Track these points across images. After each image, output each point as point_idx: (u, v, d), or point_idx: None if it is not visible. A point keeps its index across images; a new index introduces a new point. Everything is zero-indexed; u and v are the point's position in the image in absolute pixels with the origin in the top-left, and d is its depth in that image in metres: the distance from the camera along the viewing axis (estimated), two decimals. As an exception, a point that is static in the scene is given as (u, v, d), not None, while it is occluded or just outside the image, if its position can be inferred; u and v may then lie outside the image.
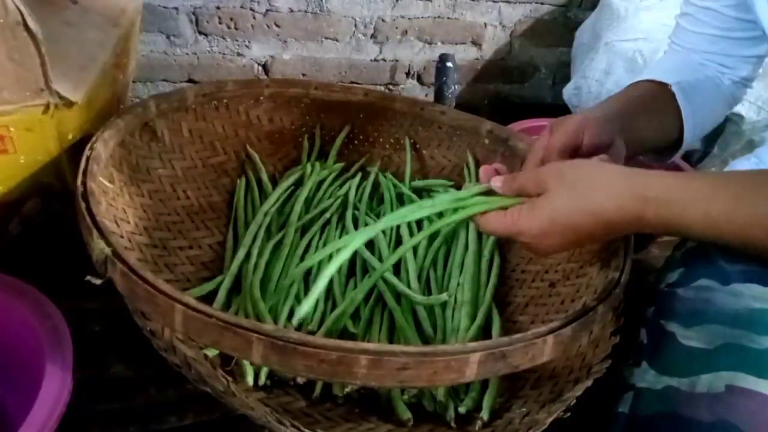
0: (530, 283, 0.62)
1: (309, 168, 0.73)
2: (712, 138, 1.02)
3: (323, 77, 1.19)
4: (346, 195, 0.72)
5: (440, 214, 0.54)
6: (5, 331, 0.48)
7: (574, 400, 0.44)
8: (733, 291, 0.40)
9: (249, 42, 1.11)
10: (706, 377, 0.37)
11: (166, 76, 1.10)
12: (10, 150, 0.48)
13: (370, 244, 0.63)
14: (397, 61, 1.23)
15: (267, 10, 1.08)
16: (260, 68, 1.15)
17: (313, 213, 0.68)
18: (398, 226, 0.66)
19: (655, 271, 0.52)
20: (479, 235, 0.65)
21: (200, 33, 1.07)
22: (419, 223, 0.67)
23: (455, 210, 0.52)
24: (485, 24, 1.25)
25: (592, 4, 1.24)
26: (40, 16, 0.43)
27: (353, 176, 0.76)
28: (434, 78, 1.11)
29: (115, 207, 0.51)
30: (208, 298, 0.55)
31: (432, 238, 0.66)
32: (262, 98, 0.72)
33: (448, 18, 1.21)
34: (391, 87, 1.27)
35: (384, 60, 1.22)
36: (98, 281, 0.40)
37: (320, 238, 0.65)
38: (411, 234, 0.66)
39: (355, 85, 1.06)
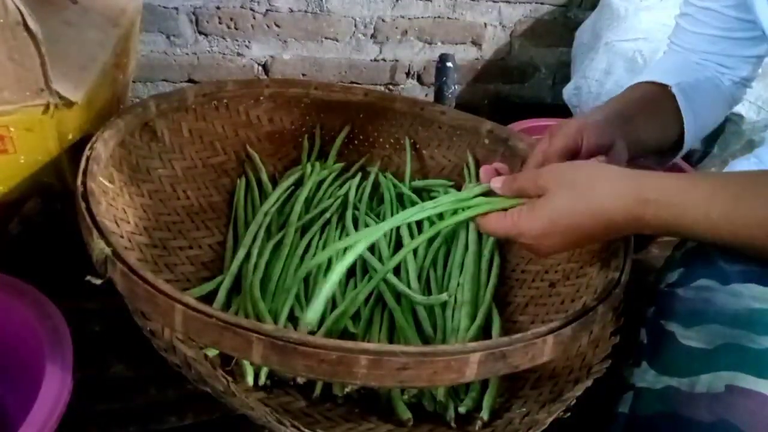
0: (530, 283, 0.62)
1: (309, 168, 0.73)
2: (712, 138, 1.02)
3: (323, 77, 1.19)
4: (346, 195, 0.72)
5: (440, 216, 0.54)
6: (5, 331, 0.48)
7: (574, 400, 0.44)
8: (732, 291, 0.40)
9: (249, 42, 1.11)
10: (706, 377, 0.37)
11: (166, 76, 1.10)
12: (10, 150, 0.48)
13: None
14: (397, 61, 1.23)
15: (267, 10, 1.08)
16: (260, 68, 1.15)
17: (313, 213, 0.68)
18: (398, 226, 0.66)
19: (655, 271, 0.52)
20: (479, 235, 0.65)
21: (200, 33, 1.07)
22: (419, 223, 0.67)
23: (455, 211, 0.52)
24: (485, 24, 1.25)
25: (592, 4, 1.24)
26: (40, 16, 0.43)
27: (353, 176, 0.76)
28: (434, 78, 1.11)
29: (115, 207, 0.51)
30: (208, 298, 0.55)
31: (432, 238, 0.65)
32: (262, 98, 0.72)
33: (448, 18, 1.21)
34: (391, 87, 1.27)
35: (384, 60, 1.22)
36: (98, 281, 0.40)
37: (320, 238, 0.65)
38: (411, 234, 0.66)
39: (355, 85, 1.06)
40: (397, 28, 1.18)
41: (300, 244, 0.63)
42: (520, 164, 0.68)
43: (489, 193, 0.51)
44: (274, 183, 0.72)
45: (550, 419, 0.43)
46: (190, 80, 1.12)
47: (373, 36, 1.18)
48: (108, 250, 0.39)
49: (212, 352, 0.47)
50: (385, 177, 0.77)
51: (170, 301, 0.36)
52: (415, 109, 0.77)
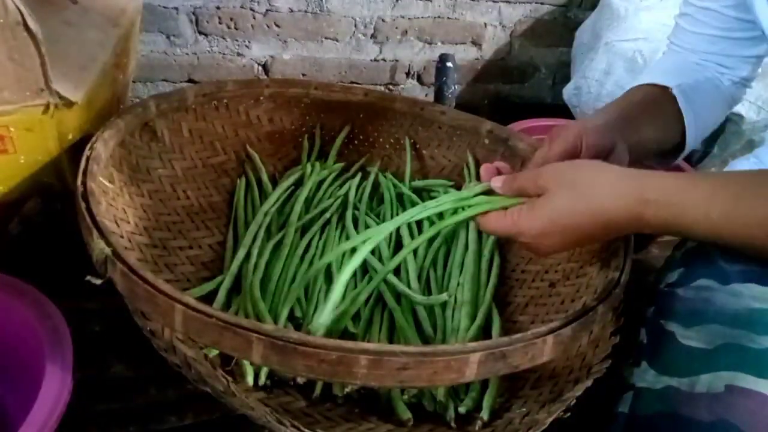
0: (530, 283, 0.62)
1: (309, 168, 0.73)
2: (712, 138, 1.02)
3: (323, 77, 1.19)
4: (346, 195, 0.72)
5: (440, 215, 0.54)
6: (5, 331, 0.48)
7: (574, 400, 0.44)
8: (732, 291, 0.40)
9: (249, 42, 1.11)
10: (706, 377, 0.37)
11: (166, 76, 1.10)
12: (10, 150, 0.48)
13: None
14: (397, 61, 1.23)
15: (267, 10, 1.08)
16: (260, 68, 1.15)
17: (313, 213, 0.68)
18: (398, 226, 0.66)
19: (655, 271, 0.52)
20: (479, 235, 0.65)
21: (200, 33, 1.07)
22: (419, 223, 0.67)
23: (456, 210, 0.52)
24: (485, 24, 1.25)
25: (592, 4, 1.24)
26: (40, 16, 0.43)
27: (353, 176, 0.76)
28: (434, 78, 1.11)
29: (115, 207, 0.51)
30: (208, 298, 0.55)
31: (432, 238, 0.65)
32: (262, 98, 0.72)
33: (448, 18, 1.21)
34: (391, 87, 1.27)
35: (384, 60, 1.22)
36: (98, 281, 0.40)
37: (320, 238, 0.65)
38: (411, 234, 0.66)
39: (355, 85, 1.06)
40: (397, 28, 1.18)
41: (300, 244, 0.63)
42: (520, 164, 0.68)
43: (489, 192, 0.51)
44: (274, 183, 0.72)
45: (550, 419, 0.43)
46: (190, 80, 1.12)
47: (373, 36, 1.18)
48: (108, 250, 0.39)
49: (212, 352, 0.47)
50: (385, 177, 0.77)
51: (170, 301, 0.36)
52: (415, 109, 0.77)
